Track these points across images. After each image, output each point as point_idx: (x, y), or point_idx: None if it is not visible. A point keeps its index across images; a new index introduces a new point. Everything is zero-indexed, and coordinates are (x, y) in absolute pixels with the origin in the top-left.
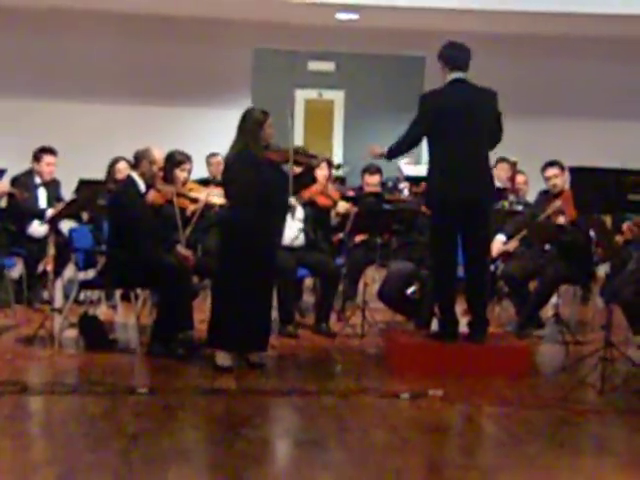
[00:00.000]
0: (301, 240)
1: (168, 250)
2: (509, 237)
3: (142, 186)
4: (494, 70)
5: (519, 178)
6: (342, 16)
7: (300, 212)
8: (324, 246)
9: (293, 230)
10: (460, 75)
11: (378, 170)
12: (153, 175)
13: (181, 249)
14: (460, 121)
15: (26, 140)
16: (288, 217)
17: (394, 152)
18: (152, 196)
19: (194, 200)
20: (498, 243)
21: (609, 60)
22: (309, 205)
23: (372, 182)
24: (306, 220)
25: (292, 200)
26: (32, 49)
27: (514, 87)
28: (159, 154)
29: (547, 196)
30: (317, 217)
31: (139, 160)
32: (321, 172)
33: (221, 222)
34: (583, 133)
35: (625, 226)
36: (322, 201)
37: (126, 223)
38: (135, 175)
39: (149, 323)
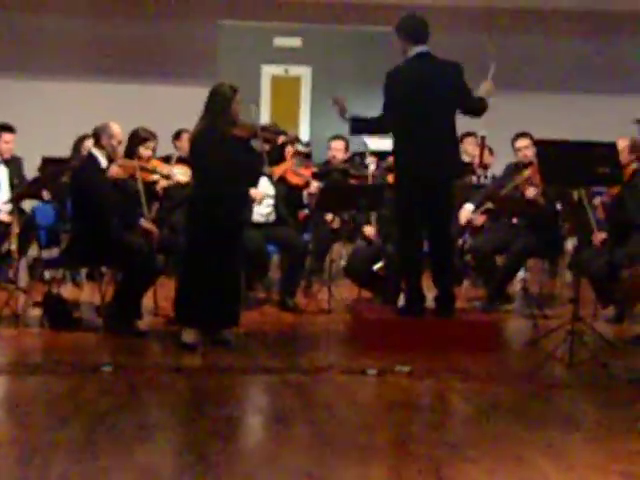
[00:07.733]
0: (273, 217)
1: (131, 225)
2: (477, 207)
3: (103, 162)
4: (461, 43)
5: (486, 156)
6: None
7: (271, 189)
8: (291, 222)
9: (265, 207)
10: (424, 48)
11: (342, 137)
12: (113, 149)
13: (145, 223)
14: (424, 95)
15: None
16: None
17: (359, 128)
18: (114, 170)
19: (164, 176)
20: (466, 212)
21: (580, 34)
22: (281, 183)
23: (338, 147)
24: (277, 197)
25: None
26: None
27: (482, 60)
28: (117, 128)
29: (516, 168)
30: (289, 195)
31: (99, 135)
32: (288, 149)
33: (188, 199)
34: (552, 107)
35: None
36: (294, 180)
37: (88, 199)
38: (96, 151)
39: None
